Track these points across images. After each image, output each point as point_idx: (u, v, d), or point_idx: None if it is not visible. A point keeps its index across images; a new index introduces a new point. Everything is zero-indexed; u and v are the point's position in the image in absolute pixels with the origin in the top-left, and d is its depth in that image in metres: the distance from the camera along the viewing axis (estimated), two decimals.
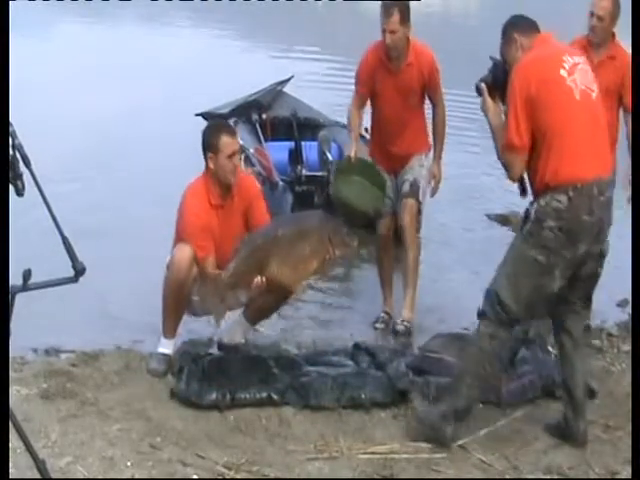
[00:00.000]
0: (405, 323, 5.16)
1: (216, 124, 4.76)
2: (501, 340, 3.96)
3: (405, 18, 4.97)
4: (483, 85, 3.99)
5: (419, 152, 5.27)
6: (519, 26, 4.02)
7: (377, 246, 5.45)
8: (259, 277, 4.24)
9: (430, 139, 5.33)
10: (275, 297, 4.60)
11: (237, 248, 4.29)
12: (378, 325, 5.36)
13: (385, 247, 5.38)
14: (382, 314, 5.40)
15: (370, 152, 5.43)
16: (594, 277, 4.01)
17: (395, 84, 5.10)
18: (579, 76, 3.83)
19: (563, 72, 3.81)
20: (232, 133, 4.60)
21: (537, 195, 3.83)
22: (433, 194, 5.38)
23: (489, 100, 3.96)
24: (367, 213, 5.23)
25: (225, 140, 4.45)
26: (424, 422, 4.07)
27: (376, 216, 5.26)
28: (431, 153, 5.31)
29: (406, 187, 5.18)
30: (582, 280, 3.96)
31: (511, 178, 3.97)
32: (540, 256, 3.79)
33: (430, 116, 5.35)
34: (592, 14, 4.98)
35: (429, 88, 5.20)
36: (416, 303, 5.28)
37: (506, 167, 3.96)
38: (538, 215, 3.80)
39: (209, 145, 4.48)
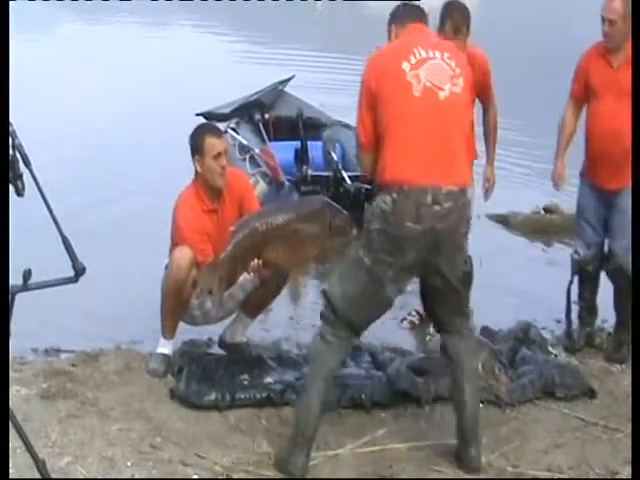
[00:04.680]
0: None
1: (201, 126, 4.66)
2: (339, 341, 3.67)
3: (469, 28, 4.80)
4: None
5: None
6: (396, 16, 3.82)
7: None
8: (256, 260, 4.18)
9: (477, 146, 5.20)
10: (271, 287, 4.58)
11: (234, 230, 4.20)
12: (405, 324, 5.34)
13: None
14: (413, 312, 5.37)
15: None
16: (444, 295, 3.68)
17: None
18: (426, 71, 3.53)
19: (405, 65, 3.54)
20: (217, 134, 4.54)
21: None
22: (487, 198, 5.30)
23: None
24: None
25: (209, 141, 4.42)
26: None
27: None
28: (476, 161, 5.18)
29: None
30: (432, 295, 3.73)
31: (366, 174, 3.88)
32: (367, 258, 3.57)
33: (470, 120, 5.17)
34: (603, 19, 4.73)
35: (482, 92, 5.03)
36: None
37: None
38: (367, 215, 3.61)
39: (195, 148, 4.45)
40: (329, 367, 3.73)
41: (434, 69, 3.56)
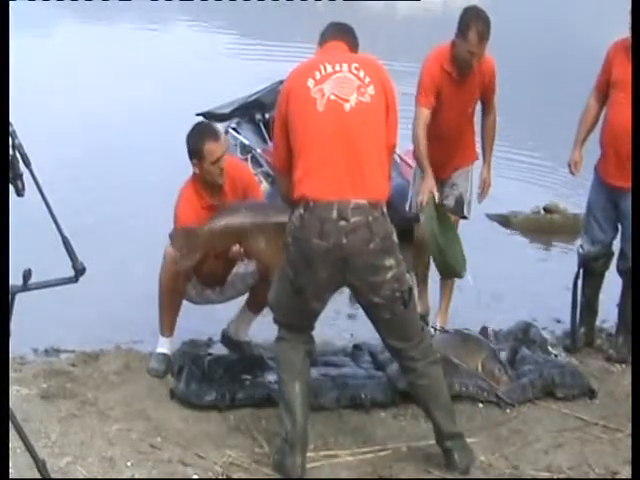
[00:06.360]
0: (439, 329, 5.10)
1: (199, 129, 4.58)
2: (296, 336, 3.73)
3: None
4: None
5: (467, 164, 5.13)
6: (321, 35, 3.80)
7: (414, 252, 5.33)
8: (238, 246, 4.25)
9: (478, 147, 5.21)
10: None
11: (221, 209, 4.29)
12: None
13: (420, 252, 5.29)
14: None
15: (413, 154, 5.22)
16: (377, 316, 3.62)
17: (458, 93, 4.87)
18: (331, 85, 3.50)
19: (310, 82, 3.52)
20: (216, 138, 4.49)
21: None
22: (481, 200, 5.26)
23: None
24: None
25: (209, 147, 4.38)
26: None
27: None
28: (477, 162, 5.20)
29: (451, 201, 5.06)
30: (368, 316, 3.68)
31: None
32: (289, 270, 3.59)
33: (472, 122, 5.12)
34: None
35: (486, 94, 5.03)
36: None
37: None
38: (286, 229, 3.61)
39: (193, 151, 4.42)
40: (297, 365, 3.74)
41: (339, 81, 3.52)
